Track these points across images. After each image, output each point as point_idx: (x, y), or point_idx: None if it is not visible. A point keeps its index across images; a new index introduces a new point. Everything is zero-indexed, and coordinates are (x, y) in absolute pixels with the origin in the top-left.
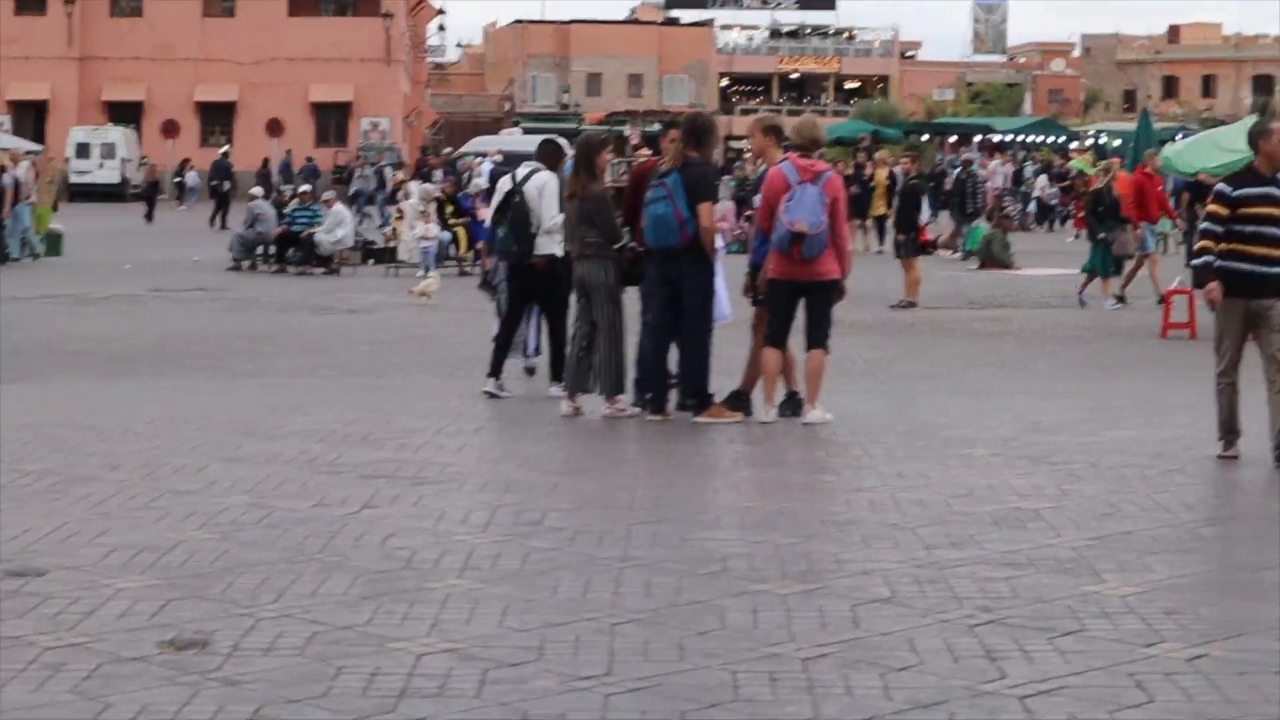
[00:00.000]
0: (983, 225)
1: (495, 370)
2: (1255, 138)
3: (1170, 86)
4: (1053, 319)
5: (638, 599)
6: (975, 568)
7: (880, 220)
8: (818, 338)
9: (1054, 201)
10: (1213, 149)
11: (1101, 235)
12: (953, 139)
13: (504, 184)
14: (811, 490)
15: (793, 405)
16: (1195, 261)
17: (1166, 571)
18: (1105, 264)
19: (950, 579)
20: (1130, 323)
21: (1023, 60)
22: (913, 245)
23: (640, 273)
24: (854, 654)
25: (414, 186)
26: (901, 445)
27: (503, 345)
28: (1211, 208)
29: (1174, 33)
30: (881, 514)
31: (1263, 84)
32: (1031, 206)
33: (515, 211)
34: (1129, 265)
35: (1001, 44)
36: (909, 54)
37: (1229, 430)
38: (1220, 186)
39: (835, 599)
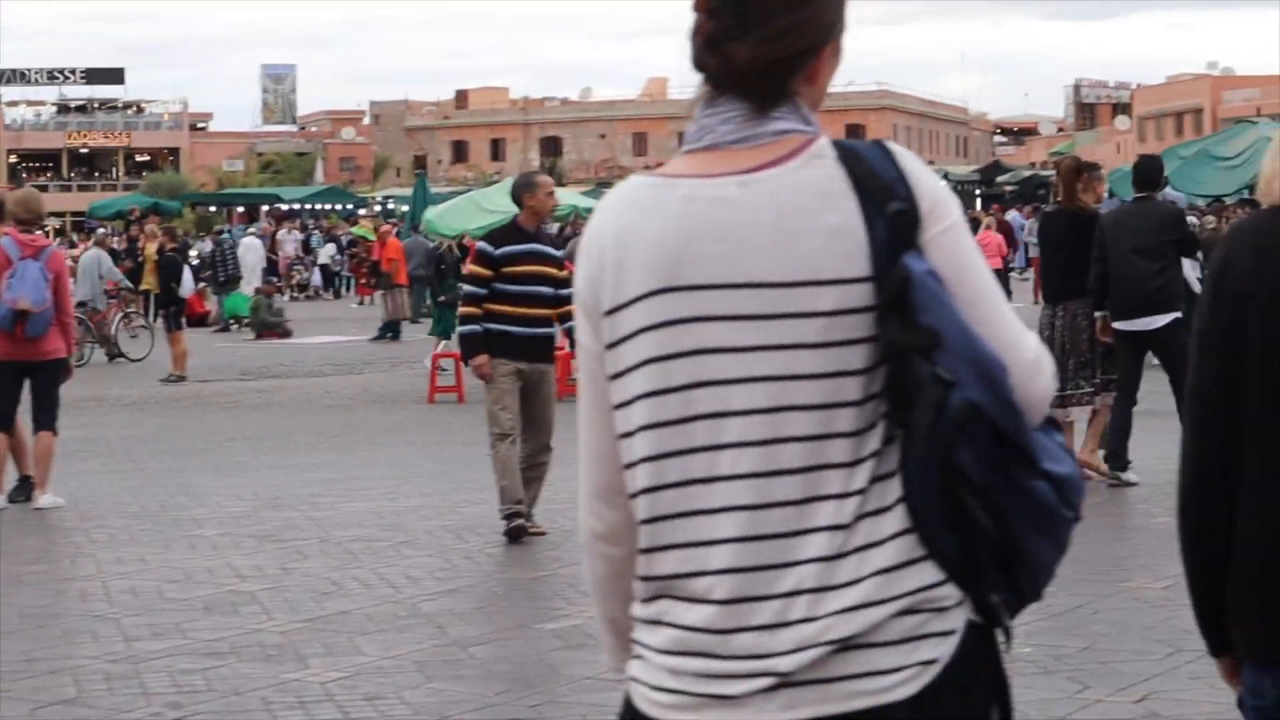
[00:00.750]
0: (242, 294)
1: None
2: (520, 192)
3: (460, 150)
4: (323, 387)
5: None
6: (174, 659)
7: (148, 294)
8: (45, 420)
9: (339, 269)
10: (475, 210)
11: (443, 297)
12: (240, 209)
13: None
14: (21, 582)
15: (25, 490)
16: (461, 329)
17: (376, 653)
18: (448, 324)
19: (144, 673)
20: (400, 388)
21: (314, 129)
22: (176, 318)
23: None
24: None
25: None
26: (127, 528)
27: None
28: (473, 268)
29: (462, 98)
30: (89, 604)
31: (550, 145)
32: (316, 277)
33: None
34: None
35: (292, 113)
36: (200, 125)
37: (516, 501)
38: (481, 245)
39: (16, 703)
